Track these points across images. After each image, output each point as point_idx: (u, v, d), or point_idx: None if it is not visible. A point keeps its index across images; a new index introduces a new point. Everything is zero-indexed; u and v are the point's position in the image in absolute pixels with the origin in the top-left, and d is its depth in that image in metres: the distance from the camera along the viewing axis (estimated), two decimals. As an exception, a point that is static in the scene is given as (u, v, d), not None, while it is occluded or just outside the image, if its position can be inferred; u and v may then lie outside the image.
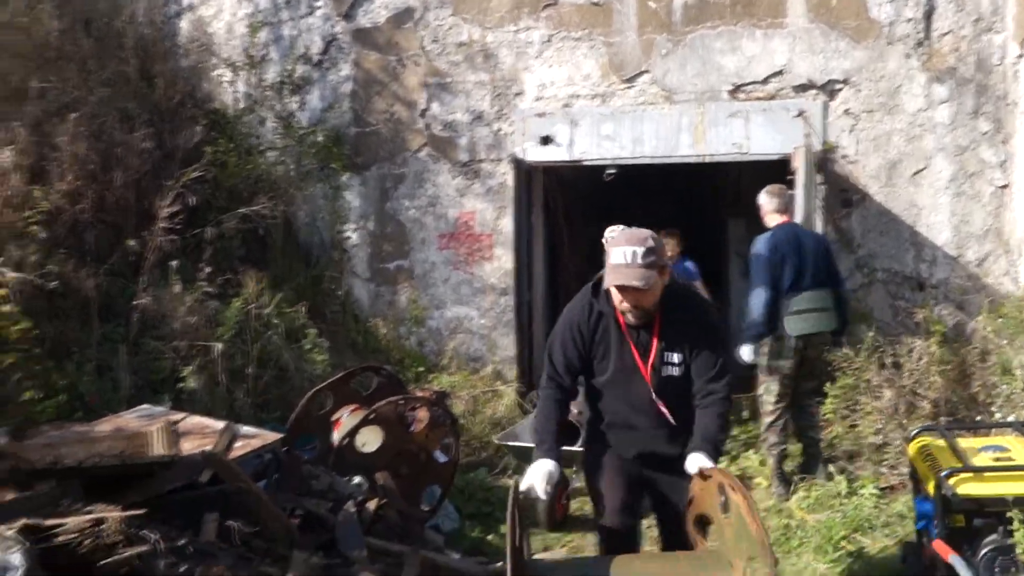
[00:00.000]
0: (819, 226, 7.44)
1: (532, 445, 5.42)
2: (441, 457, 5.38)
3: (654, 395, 3.56)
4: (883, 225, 7.67)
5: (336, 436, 5.20)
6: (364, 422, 4.99)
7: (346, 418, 5.32)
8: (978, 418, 5.77)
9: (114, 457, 3.87)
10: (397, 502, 4.71)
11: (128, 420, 4.99)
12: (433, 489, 5.37)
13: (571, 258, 10.21)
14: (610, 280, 3.42)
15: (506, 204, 8.27)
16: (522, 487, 3.39)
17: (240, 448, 4.53)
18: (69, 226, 6.84)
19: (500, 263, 8.36)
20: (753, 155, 7.87)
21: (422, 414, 5.25)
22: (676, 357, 3.54)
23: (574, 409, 5.59)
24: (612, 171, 8.38)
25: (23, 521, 3.13)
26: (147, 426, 4.51)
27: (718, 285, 10.70)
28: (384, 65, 8.55)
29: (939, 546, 3.61)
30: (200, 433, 4.65)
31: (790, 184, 6.96)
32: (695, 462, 3.33)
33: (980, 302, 7.17)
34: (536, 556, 4.51)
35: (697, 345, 3.53)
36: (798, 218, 6.76)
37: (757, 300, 5.93)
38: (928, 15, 7.57)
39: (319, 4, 8.64)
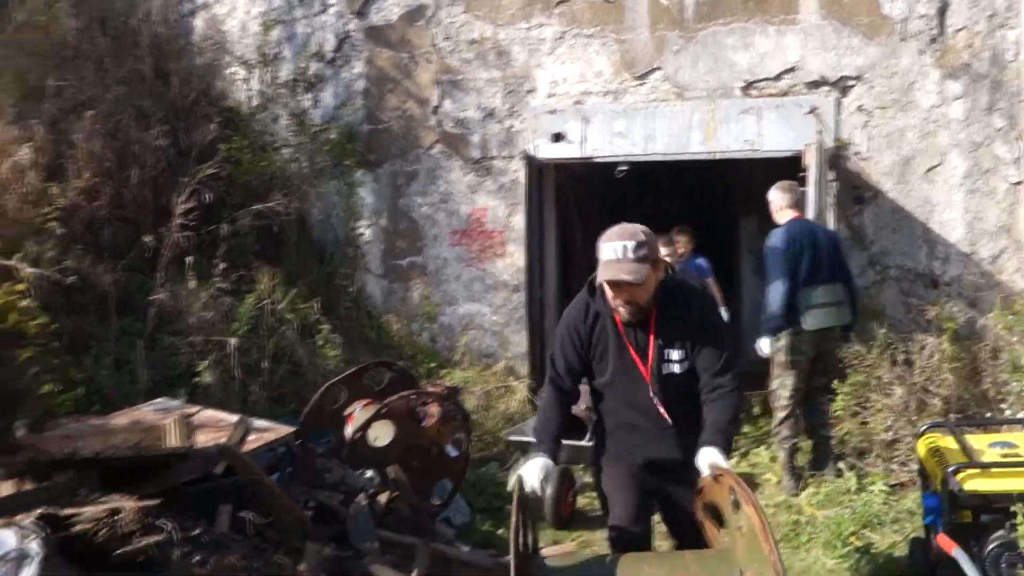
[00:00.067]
0: (831, 223, 7.42)
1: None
2: (453, 452, 5.42)
3: (652, 394, 3.50)
4: (896, 222, 7.66)
5: (349, 430, 5.26)
6: (376, 416, 5.03)
7: (358, 412, 5.37)
8: (987, 415, 5.77)
9: (130, 449, 3.94)
10: (408, 495, 4.76)
11: (144, 413, 5.06)
12: (444, 483, 5.41)
13: (583, 255, 10.23)
14: (601, 276, 3.37)
15: (518, 201, 8.29)
16: (512, 482, 3.34)
17: (254, 441, 4.59)
18: (86, 222, 6.93)
19: (512, 259, 8.39)
20: (765, 152, 7.86)
21: (434, 409, 5.30)
22: (676, 354, 3.47)
23: (582, 404, 5.64)
24: (624, 168, 8.39)
25: (41, 510, 3.19)
26: (163, 419, 4.57)
27: (730, 282, 10.70)
28: (397, 62, 8.60)
29: (943, 540, 3.62)
30: (215, 426, 4.71)
31: (802, 181, 6.97)
32: (707, 457, 3.22)
33: (993, 299, 7.16)
34: (545, 550, 4.54)
35: (698, 340, 3.44)
36: (810, 215, 6.77)
37: (775, 292, 5.92)
38: (942, 11, 7.54)
39: (332, 2, 8.69)
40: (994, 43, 7.45)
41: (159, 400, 5.55)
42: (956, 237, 7.54)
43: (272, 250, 8.08)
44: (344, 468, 4.78)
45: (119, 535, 3.25)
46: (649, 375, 3.48)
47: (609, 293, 3.42)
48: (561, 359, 3.62)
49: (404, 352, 8.14)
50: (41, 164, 6.64)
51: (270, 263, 7.50)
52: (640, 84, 8.09)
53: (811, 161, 7.09)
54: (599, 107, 8.14)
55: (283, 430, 4.95)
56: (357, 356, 7.29)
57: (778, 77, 7.84)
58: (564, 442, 5.69)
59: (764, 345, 6.07)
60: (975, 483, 3.73)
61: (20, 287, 5.71)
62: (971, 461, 3.79)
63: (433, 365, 8.14)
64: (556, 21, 8.22)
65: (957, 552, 3.47)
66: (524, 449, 6.25)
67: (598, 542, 5.13)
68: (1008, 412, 5.70)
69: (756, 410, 7.32)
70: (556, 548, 4.82)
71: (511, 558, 2.83)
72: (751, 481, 6.28)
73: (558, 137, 8.24)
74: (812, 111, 7.74)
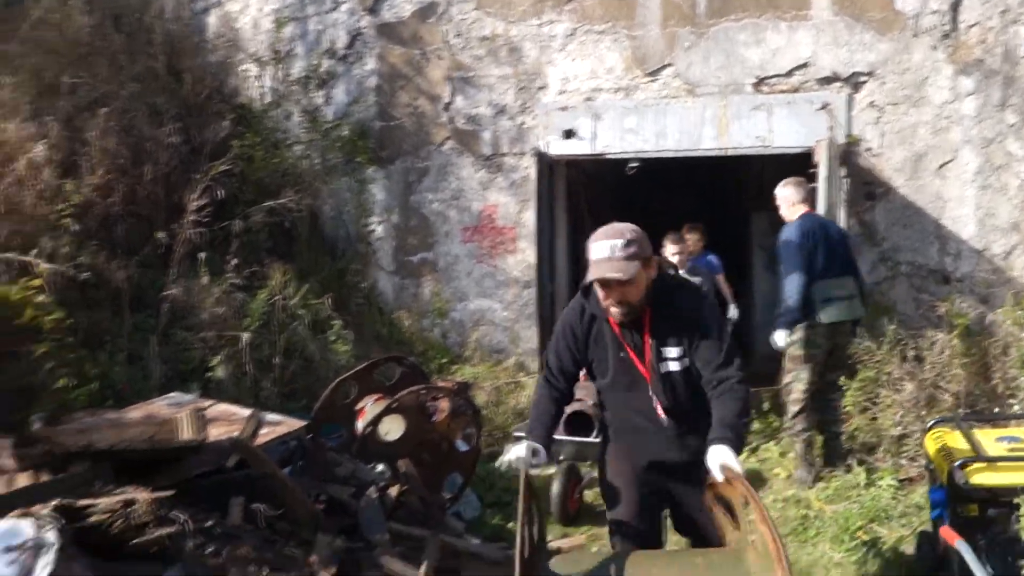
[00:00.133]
0: (842, 219, 7.43)
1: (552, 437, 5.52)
2: (463, 446, 5.47)
3: (651, 394, 3.45)
4: (907, 218, 7.65)
5: (360, 425, 5.30)
6: (387, 411, 5.08)
7: (370, 407, 5.41)
8: (996, 410, 5.76)
9: (144, 442, 3.98)
10: (418, 489, 4.79)
11: (158, 407, 5.11)
12: (455, 477, 5.45)
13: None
14: (591, 275, 3.32)
15: (529, 197, 8.31)
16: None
17: (266, 434, 4.63)
18: (100, 219, 6.99)
19: (523, 256, 8.42)
20: (776, 148, 7.87)
21: (444, 404, 5.34)
22: (673, 352, 3.40)
23: (590, 401, 5.66)
24: (635, 164, 8.41)
25: (57, 501, 3.24)
26: (176, 413, 4.62)
27: (742, 278, 10.69)
28: (408, 59, 8.63)
29: (946, 532, 3.64)
30: (227, 420, 4.75)
31: (813, 177, 6.97)
32: (717, 456, 3.11)
33: (1005, 295, 7.14)
34: (555, 543, 4.56)
35: (695, 336, 3.37)
36: (820, 211, 6.79)
37: (792, 285, 5.90)
38: (954, 7, 7.53)
39: (344, -1, 8.75)
40: (1007, 39, 7.44)
41: (172, 394, 5.60)
42: (968, 233, 7.53)
43: (284, 246, 8.13)
44: (355, 462, 4.82)
45: (133, 526, 3.30)
46: (649, 375, 3.43)
47: (600, 293, 3.38)
48: (555, 359, 3.59)
49: (415, 348, 8.18)
50: (56, 161, 6.70)
51: (282, 259, 7.55)
52: (651, 80, 8.10)
53: (822, 157, 7.09)
54: (610, 103, 8.15)
55: (295, 424, 4.99)
56: (368, 352, 7.33)
57: (790, 73, 7.84)
58: (572, 439, 5.79)
59: (779, 338, 6.06)
60: (981, 477, 3.75)
61: (36, 283, 5.78)
62: (977, 455, 3.80)
63: (444, 361, 8.18)
64: (567, 17, 8.24)
65: (960, 544, 3.49)
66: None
67: (606, 536, 5.14)
68: (1017, 407, 5.69)
69: (766, 405, 7.32)
70: (565, 540, 4.83)
71: (516, 544, 2.82)
72: (760, 477, 6.29)
73: (569, 134, 8.26)
74: (824, 107, 7.74)
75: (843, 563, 4.83)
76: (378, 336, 8.21)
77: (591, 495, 6.03)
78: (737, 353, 3.40)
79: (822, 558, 4.93)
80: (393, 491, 4.54)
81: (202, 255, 7.03)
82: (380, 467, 4.90)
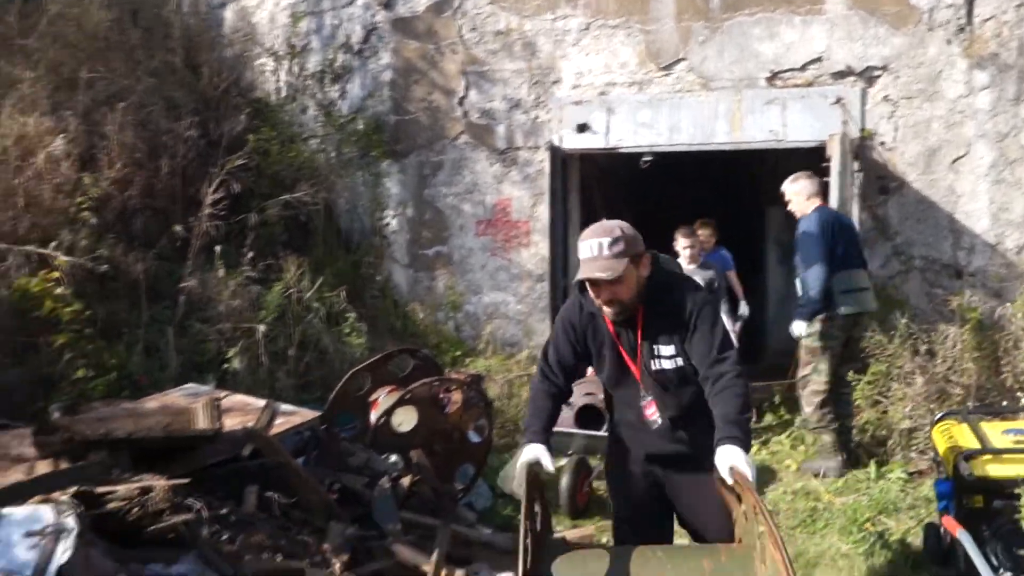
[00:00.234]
0: (855, 213, 7.43)
1: (562, 430, 5.55)
2: (475, 437, 5.52)
3: (641, 392, 3.42)
4: (921, 212, 7.65)
5: (373, 416, 5.36)
6: (400, 402, 5.14)
7: (383, 399, 5.48)
8: (1004, 403, 5.76)
9: (161, 431, 4.07)
10: (431, 479, 4.86)
11: (174, 398, 5.19)
12: (467, 468, 5.51)
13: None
14: (579, 275, 3.27)
15: (543, 191, 8.34)
16: (516, 485, 3.24)
17: (280, 425, 4.71)
18: (118, 212, 7.08)
19: (537, 249, 8.45)
20: (790, 142, 7.87)
21: (456, 396, 5.40)
22: (667, 349, 3.34)
23: (599, 394, 5.70)
24: (648, 158, 8.42)
25: (76, 488, 3.31)
26: (192, 403, 4.69)
27: (755, 273, 10.69)
28: (423, 54, 8.67)
29: (948, 522, 3.67)
30: (242, 410, 4.83)
31: (825, 171, 6.98)
32: (727, 458, 3.02)
33: (1018, 290, 7.12)
34: (565, 534, 4.61)
35: (689, 330, 3.30)
36: (833, 205, 6.78)
37: (815, 276, 5.90)
38: (969, 0, 7.51)
39: (360, -6, 8.80)
40: (1021, 32, 7.41)
41: (189, 385, 5.69)
42: (981, 228, 7.52)
43: (299, 239, 8.19)
44: (368, 452, 4.89)
45: (150, 513, 3.37)
46: (640, 374, 3.40)
47: (591, 293, 3.34)
48: (554, 352, 3.53)
49: (429, 340, 8.23)
50: (75, 155, 6.77)
51: (297, 252, 7.60)
52: (665, 75, 8.11)
53: (834, 151, 7.09)
54: (624, 97, 8.17)
55: (309, 415, 5.07)
56: (382, 344, 7.38)
57: (804, 67, 7.84)
58: (582, 432, 5.83)
59: (799, 329, 6.08)
60: (986, 468, 3.78)
61: (55, 275, 5.88)
62: (983, 447, 3.82)
63: (458, 353, 8.23)
64: (581, 12, 8.26)
65: (961, 534, 3.52)
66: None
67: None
68: (1024, 401, 5.70)
69: (777, 399, 7.35)
70: (575, 532, 4.88)
71: (519, 542, 2.81)
72: (770, 470, 6.32)
73: (583, 128, 8.28)
74: (837, 101, 7.73)
75: (850, 554, 4.85)
76: (392, 328, 8.27)
77: (601, 487, 6.06)
78: (732, 346, 3.32)
79: (829, 549, 4.96)
80: (405, 481, 4.61)
81: (218, 248, 7.10)
82: (393, 457, 4.95)
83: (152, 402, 5.08)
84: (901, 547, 4.82)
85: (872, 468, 5.87)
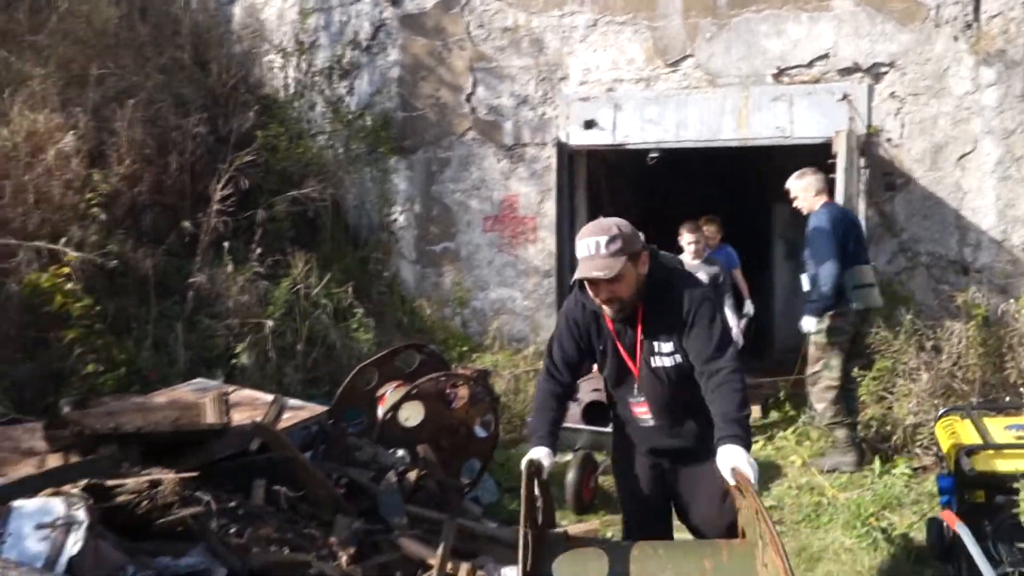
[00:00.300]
0: (861, 209, 7.44)
1: (569, 426, 5.57)
2: (481, 433, 5.56)
3: (636, 390, 3.43)
4: (927, 209, 7.65)
5: (380, 411, 5.40)
6: (406, 397, 5.18)
7: (390, 394, 5.52)
8: (1007, 399, 5.77)
9: (170, 425, 4.10)
10: (437, 474, 4.89)
11: (183, 392, 5.23)
12: (473, 463, 5.55)
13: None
14: (577, 274, 3.26)
15: (550, 187, 8.37)
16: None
17: (288, 419, 4.74)
18: (127, 208, 7.12)
19: (544, 245, 8.48)
20: (796, 139, 7.88)
21: (463, 391, 5.44)
22: (667, 346, 3.33)
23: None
24: (655, 155, 8.44)
25: (87, 481, 3.35)
26: (201, 398, 4.73)
27: (762, 269, 10.69)
28: (431, 50, 8.70)
29: (947, 515, 3.69)
30: (250, 405, 4.87)
31: (831, 167, 6.98)
32: (728, 459, 3.00)
33: (1024, 286, 7.15)
34: (570, 528, 4.64)
35: (686, 326, 3.28)
36: (839, 201, 6.79)
37: (827, 273, 5.91)
38: (977, -3, 7.51)
39: (367, -10, 8.82)
40: (1029, 29, 7.40)
41: (197, 380, 5.72)
42: (988, 224, 7.51)
43: (307, 235, 8.23)
44: (375, 447, 4.92)
45: (159, 506, 3.41)
46: (637, 372, 3.40)
47: (590, 291, 3.32)
48: (559, 350, 3.52)
49: (436, 336, 8.27)
50: (84, 151, 6.81)
51: (305, 248, 7.64)
52: (672, 71, 8.12)
53: (840, 148, 7.09)
54: (631, 94, 8.19)
55: (316, 409, 5.11)
56: (390, 339, 7.42)
57: (810, 64, 7.84)
58: (589, 428, 5.85)
59: (809, 324, 6.10)
60: (988, 463, 3.80)
61: (65, 271, 5.92)
62: (984, 442, 3.84)
63: (465, 349, 8.26)
64: (588, 8, 8.27)
65: (960, 527, 3.54)
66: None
67: (620, 522, 5.21)
68: (1030, 396, 5.71)
69: (782, 395, 7.37)
70: (579, 527, 4.92)
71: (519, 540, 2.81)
72: (775, 466, 6.34)
73: (590, 124, 8.30)
74: (844, 98, 7.73)
75: (853, 549, 4.88)
76: (399, 324, 8.31)
77: (606, 482, 6.09)
78: (731, 342, 3.30)
79: (833, 543, 4.99)
80: (412, 475, 4.65)
81: (227, 244, 7.14)
82: (400, 452, 4.99)
83: (161, 397, 5.12)
84: (904, 542, 4.84)
85: (876, 464, 5.89)
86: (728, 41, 7.98)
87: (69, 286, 5.90)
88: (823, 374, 6.14)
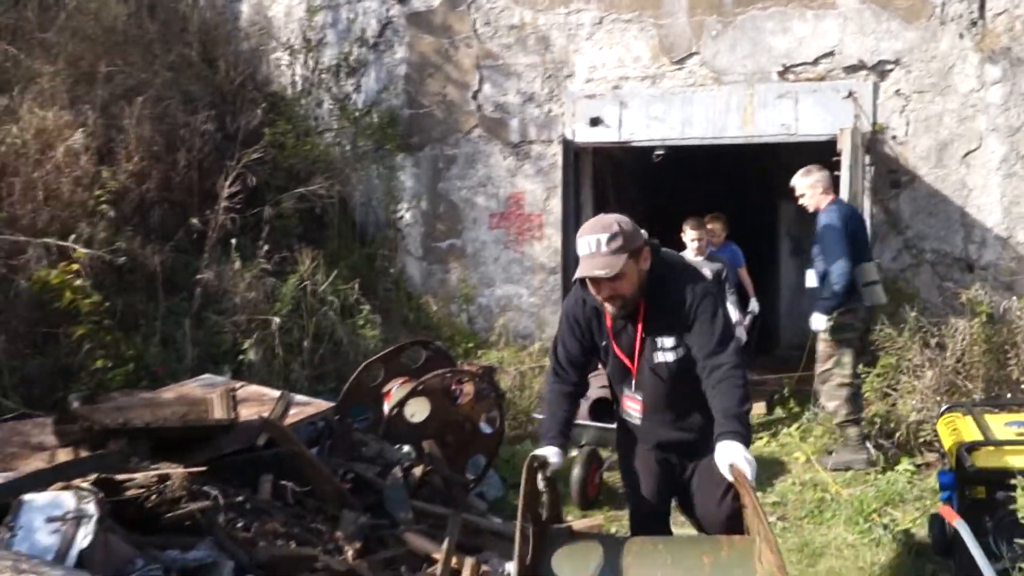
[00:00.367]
0: (867, 207, 7.45)
1: (575, 422, 5.59)
2: (486, 429, 5.59)
3: (633, 387, 3.44)
4: (932, 206, 7.65)
5: (386, 407, 5.44)
6: (412, 393, 5.21)
7: (396, 390, 5.56)
8: (1008, 396, 5.79)
9: (178, 420, 4.15)
10: (442, 469, 4.93)
11: (191, 388, 5.28)
12: (478, 459, 5.59)
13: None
14: (579, 272, 3.24)
15: (556, 184, 8.40)
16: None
17: (295, 415, 4.78)
18: (136, 205, 7.16)
19: (549, 242, 8.51)
20: (801, 136, 7.89)
21: (468, 387, 5.47)
22: (668, 342, 3.32)
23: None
24: (661, 152, 8.45)
25: (96, 475, 3.39)
26: (209, 393, 4.78)
27: (768, 266, 10.71)
28: (438, 47, 8.73)
29: (946, 511, 3.72)
30: (257, 400, 4.91)
31: (837, 165, 7.00)
32: (726, 455, 3.00)
33: (1029, 284, 7.15)
34: (574, 524, 4.67)
35: (689, 323, 3.26)
36: (844, 199, 6.80)
37: (839, 270, 5.92)
38: (982, -6, 7.51)
39: (375, -13, 8.85)
40: (1034, 27, 7.40)
41: (205, 376, 5.77)
42: (992, 221, 7.52)
43: (314, 232, 8.27)
44: (381, 442, 4.96)
45: (168, 500, 3.45)
46: (636, 368, 3.39)
47: (592, 289, 3.30)
48: (563, 349, 3.51)
49: (442, 333, 8.30)
50: (93, 148, 6.85)
51: (312, 245, 7.67)
52: (678, 69, 8.14)
53: (845, 145, 7.10)
54: (637, 91, 8.20)
55: (323, 405, 5.15)
56: (396, 336, 7.44)
57: (816, 61, 7.85)
58: (595, 424, 5.88)
59: (819, 322, 6.11)
60: (989, 460, 3.82)
61: (74, 267, 5.97)
62: (985, 438, 3.87)
63: (471, 345, 8.30)
64: (595, 6, 8.29)
65: (958, 523, 3.56)
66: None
67: (626, 517, 5.24)
68: (1033, 393, 5.73)
69: (787, 391, 7.39)
70: (584, 521, 4.94)
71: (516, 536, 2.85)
72: (779, 462, 6.36)
73: (596, 121, 8.33)
74: (849, 95, 7.74)
75: (856, 544, 4.91)
76: (405, 321, 8.34)
77: (611, 478, 6.12)
78: (733, 337, 3.28)
79: (836, 539, 5.02)
80: (417, 471, 4.69)
81: (234, 240, 7.17)
82: (405, 448, 5.03)
83: (169, 392, 5.16)
84: (906, 538, 4.87)
85: (880, 460, 5.92)
86: (733, 39, 7.99)
87: (78, 283, 5.94)
88: (835, 372, 6.14)
